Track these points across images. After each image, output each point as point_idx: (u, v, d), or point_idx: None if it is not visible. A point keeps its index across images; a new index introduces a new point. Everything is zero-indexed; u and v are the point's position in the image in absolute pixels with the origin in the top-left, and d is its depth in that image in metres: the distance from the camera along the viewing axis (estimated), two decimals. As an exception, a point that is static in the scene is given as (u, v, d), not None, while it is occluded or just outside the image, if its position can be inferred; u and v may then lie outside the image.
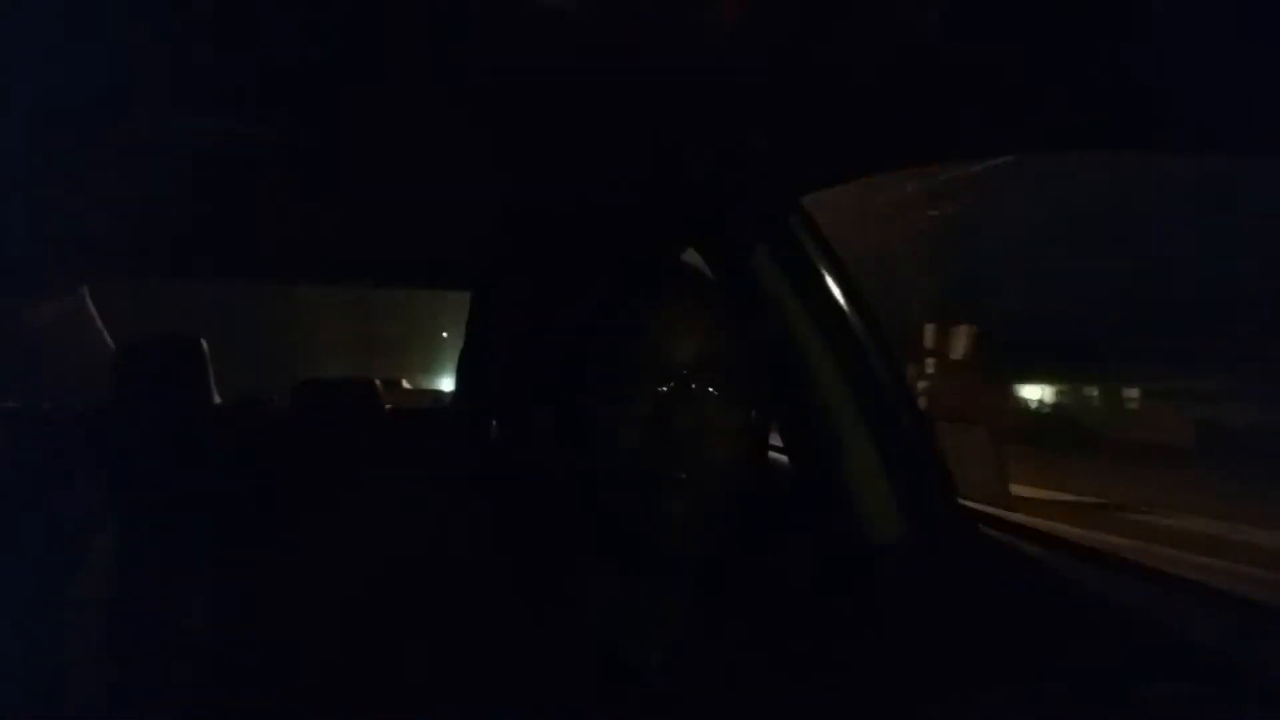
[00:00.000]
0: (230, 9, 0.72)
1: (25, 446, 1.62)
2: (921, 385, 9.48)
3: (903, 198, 11.71)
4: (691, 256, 1.38)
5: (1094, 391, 13.89)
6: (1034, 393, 14.05)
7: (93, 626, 1.30)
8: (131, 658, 1.26)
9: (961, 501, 1.24)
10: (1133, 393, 12.83)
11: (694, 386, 0.55)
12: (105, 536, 1.39)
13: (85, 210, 1.47)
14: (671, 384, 0.55)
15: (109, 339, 2.36)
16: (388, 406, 2.17)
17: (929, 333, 10.17)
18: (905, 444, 1.25)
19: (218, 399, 1.97)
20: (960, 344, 9.97)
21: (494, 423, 1.41)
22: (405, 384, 7.49)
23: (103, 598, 1.33)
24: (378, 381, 2.19)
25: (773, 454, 1.41)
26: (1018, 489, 4.91)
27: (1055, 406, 13.85)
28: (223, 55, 0.82)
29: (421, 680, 0.57)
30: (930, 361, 10.05)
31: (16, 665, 1.17)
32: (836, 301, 1.27)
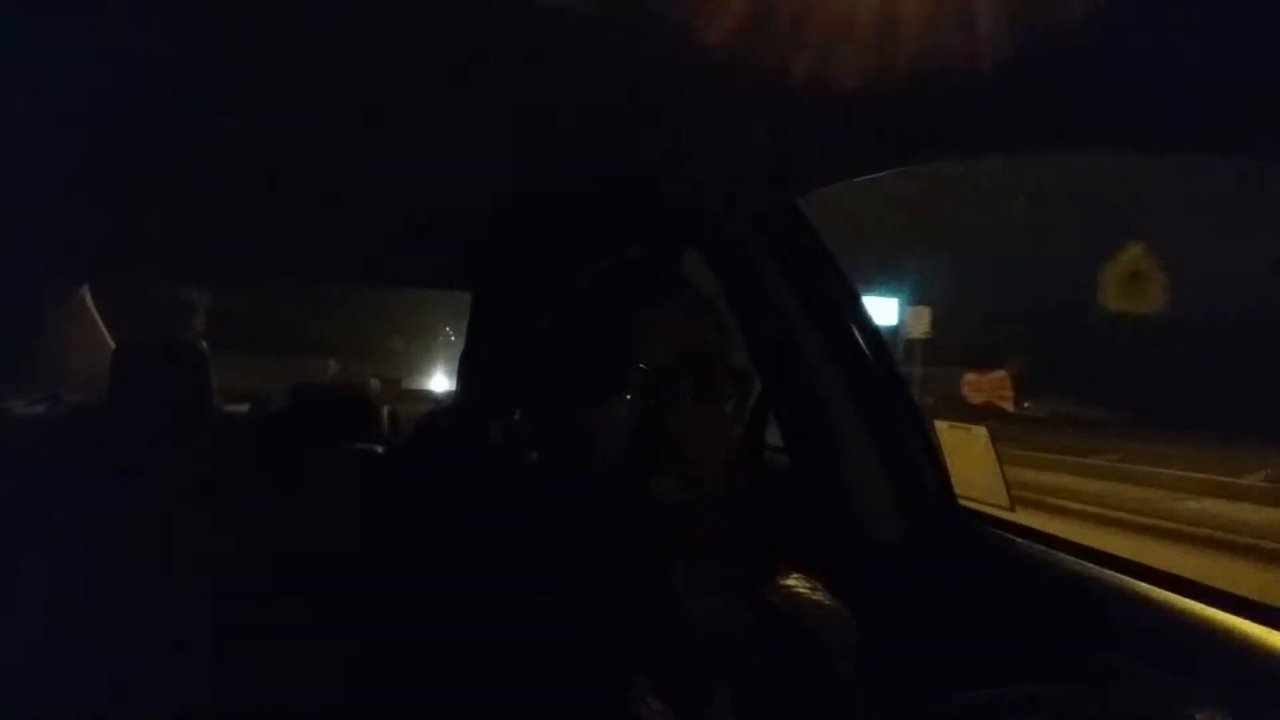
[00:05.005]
0: (230, 8, 0.72)
1: (24, 447, 1.62)
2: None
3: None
4: (692, 256, 1.38)
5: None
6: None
7: (90, 628, 1.29)
8: (129, 660, 1.26)
9: (962, 501, 1.24)
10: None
11: (693, 387, 0.55)
12: (103, 538, 1.39)
13: (85, 210, 1.47)
14: (671, 385, 0.55)
15: (109, 339, 2.36)
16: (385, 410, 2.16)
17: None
18: (905, 444, 1.25)
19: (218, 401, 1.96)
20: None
21: (492, 423, 1.41)
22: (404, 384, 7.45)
23: (100, 599, 1.33)
24: (376, 381, 2.19)
25: (773, 454, 1.41)
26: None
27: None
28: (223, 55, 0.82)
29: (422, 681, 0.57)
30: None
31: (15, 666, 1.17)
32: (836, 301, 1.27)
